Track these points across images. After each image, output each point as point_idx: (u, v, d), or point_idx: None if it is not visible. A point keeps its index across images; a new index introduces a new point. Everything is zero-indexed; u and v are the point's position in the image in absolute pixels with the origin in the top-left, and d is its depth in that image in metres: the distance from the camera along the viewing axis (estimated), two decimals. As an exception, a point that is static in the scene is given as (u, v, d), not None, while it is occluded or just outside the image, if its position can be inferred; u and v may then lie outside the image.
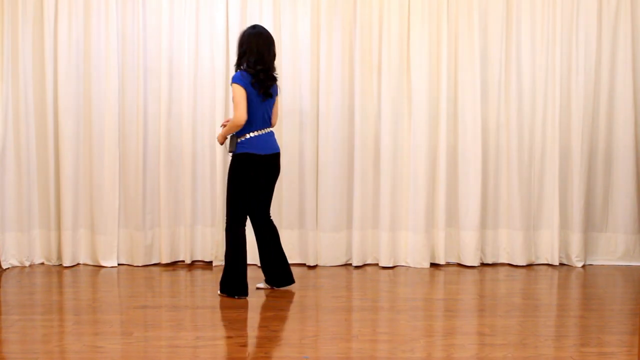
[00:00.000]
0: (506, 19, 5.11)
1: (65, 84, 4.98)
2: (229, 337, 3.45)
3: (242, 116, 4.04)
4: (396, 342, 3.37)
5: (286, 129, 5.06)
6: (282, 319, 3.80)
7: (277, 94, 4.27)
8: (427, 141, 5.07)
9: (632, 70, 5.14)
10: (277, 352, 3.22)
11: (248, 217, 4.27)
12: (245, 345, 3.32)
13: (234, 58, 5.01)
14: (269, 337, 3.44)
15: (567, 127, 5.16)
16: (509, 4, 5.12)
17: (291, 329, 3.58)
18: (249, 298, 4.18)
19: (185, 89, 5.04)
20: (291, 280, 4.38)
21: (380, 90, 5.08)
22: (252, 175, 4.14)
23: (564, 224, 5.20)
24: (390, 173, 5.08)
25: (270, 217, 4.36)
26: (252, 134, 4.13)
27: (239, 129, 4.10)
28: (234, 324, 3.68)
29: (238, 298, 4.16)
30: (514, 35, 5.12)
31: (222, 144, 4.33)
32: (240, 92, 4.05)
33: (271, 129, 4.25)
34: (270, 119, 4.24)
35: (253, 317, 3.83)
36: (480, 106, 5.08)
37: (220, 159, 5.03)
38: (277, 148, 4.26)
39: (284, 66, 5.05)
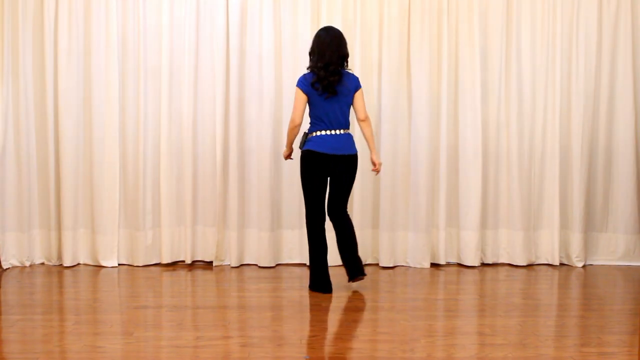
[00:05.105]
0: (506, 19, 5.12)
1: (66, 84, 4.98)
2: (229, 337, 3.44)
3: (295, 118, 4.18)
4: (396, 342, 3.36)
5: (286, 129, 5.04)
6: (282, 319, 3.79)
7: (353, 90, 4.21)
8: (427, 141, 5.07)
9: (632, 71, 5.14)
10: (277, 352, 3.22)
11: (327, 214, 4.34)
12: (245, 345, 3.32)
13: (234, 58, 5.04)
14: (269, 337, 3.44)
15: (567, 127, 5.16)
16: (509, 4, 5.13)
17: (291, 329, 3.58)
18: (249, 298, 4.18)
19: (185, 89, 5.04)
20: (357, 273, 4.30)
21: (380, 90, 5.08)
22: (314, 171, 4.20)
23: (564, 224, 5.20)
24: (390, 173, 5.08)
25: (344, 212, 4.33)
26: (318, 133, 4.20)
27: (295, 130, 4.24)
28: (234, 324, 3.67)
29: (317, 291, 4.30)
30: (514, 35, 5.12)
31: (286, 156, 4.41)
32: (296, 95, 4.20)
33: (345, 130, 4.21)
34: (343, 118, 4.19)
35: (253, 317, 3.83)
36: (480, 106, 5.09)
37: (220, 159, 5.03)
38: (345, 150, 4.20)
39: (284, 66, 5.06)
